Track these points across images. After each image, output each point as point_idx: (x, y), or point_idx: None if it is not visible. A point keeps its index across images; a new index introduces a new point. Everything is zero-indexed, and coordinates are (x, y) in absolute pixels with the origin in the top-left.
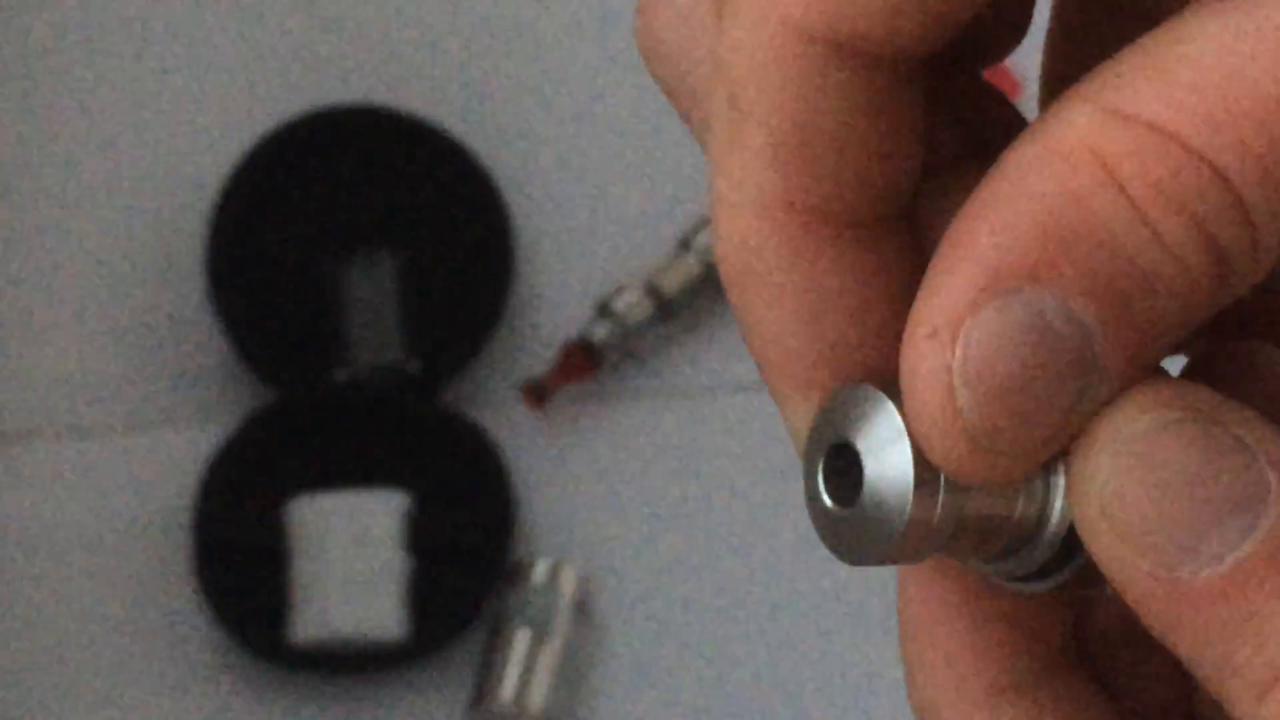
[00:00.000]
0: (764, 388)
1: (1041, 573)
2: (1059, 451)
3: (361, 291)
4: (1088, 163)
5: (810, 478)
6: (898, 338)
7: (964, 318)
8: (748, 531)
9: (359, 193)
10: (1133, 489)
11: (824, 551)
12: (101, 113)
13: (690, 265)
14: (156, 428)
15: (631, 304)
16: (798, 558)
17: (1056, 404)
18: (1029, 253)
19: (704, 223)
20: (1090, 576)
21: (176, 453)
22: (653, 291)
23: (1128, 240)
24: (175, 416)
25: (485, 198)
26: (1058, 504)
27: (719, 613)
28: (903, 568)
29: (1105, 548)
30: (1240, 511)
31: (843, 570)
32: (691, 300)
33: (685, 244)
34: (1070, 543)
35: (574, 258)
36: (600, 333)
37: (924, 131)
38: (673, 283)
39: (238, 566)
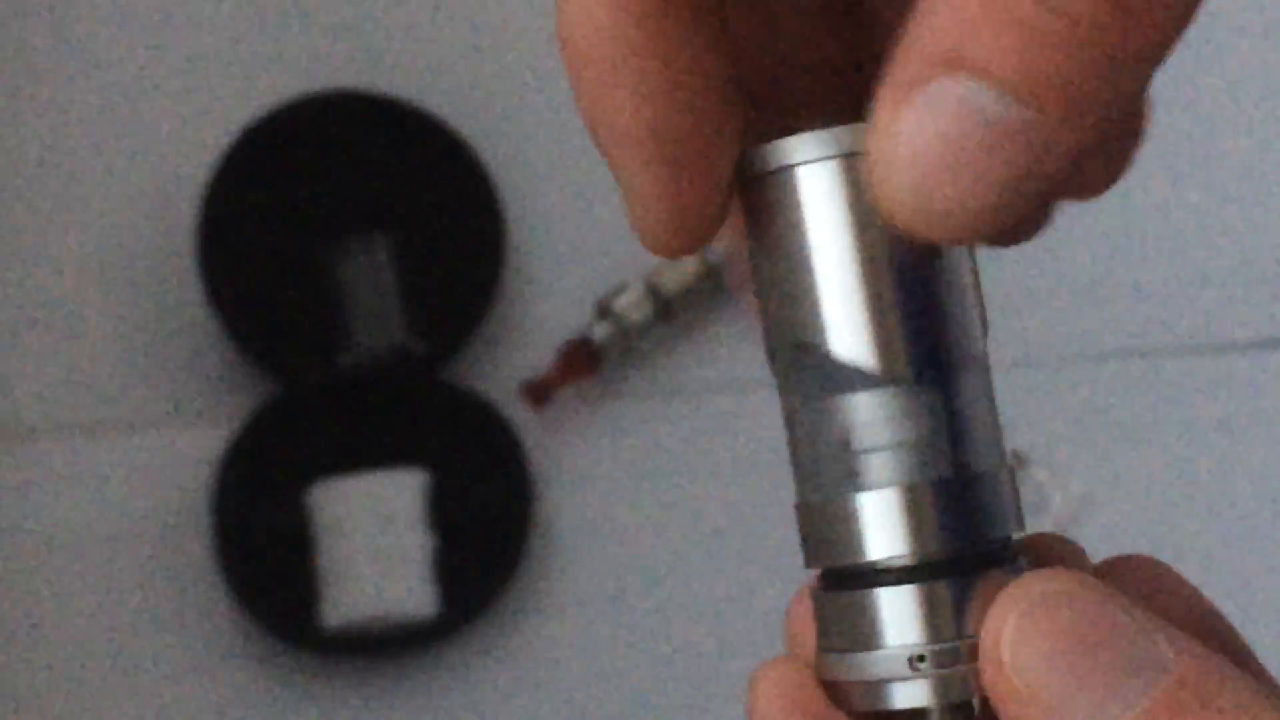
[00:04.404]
0: (762, 387)
1: None
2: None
3: (359, 276)
4: None
5: None
6: (723, 104)
7: (899, 104)
8: (746, 530)
9: (346, 179)
10: (1038, 650)
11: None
12: (90, 109)
13: (690, 265)
14: (165, 426)
15: (631, 304)
16: (796, 555)
17: (993, 176)
18: (961, 43)
19: None
20: None
21: (188, 449)
22: (653, 291)
23: (1040, 21)
24: (183, 414)
25: (471, 176)
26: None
27: (719, 609)
28: None
29: (1015, 706)
30: (1138, 676)
31: None
32: (691, 300)
33: None
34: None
35: (574, 257)
36: (600, 333)
37: None
38: (673, 283)
39: (262, 557)
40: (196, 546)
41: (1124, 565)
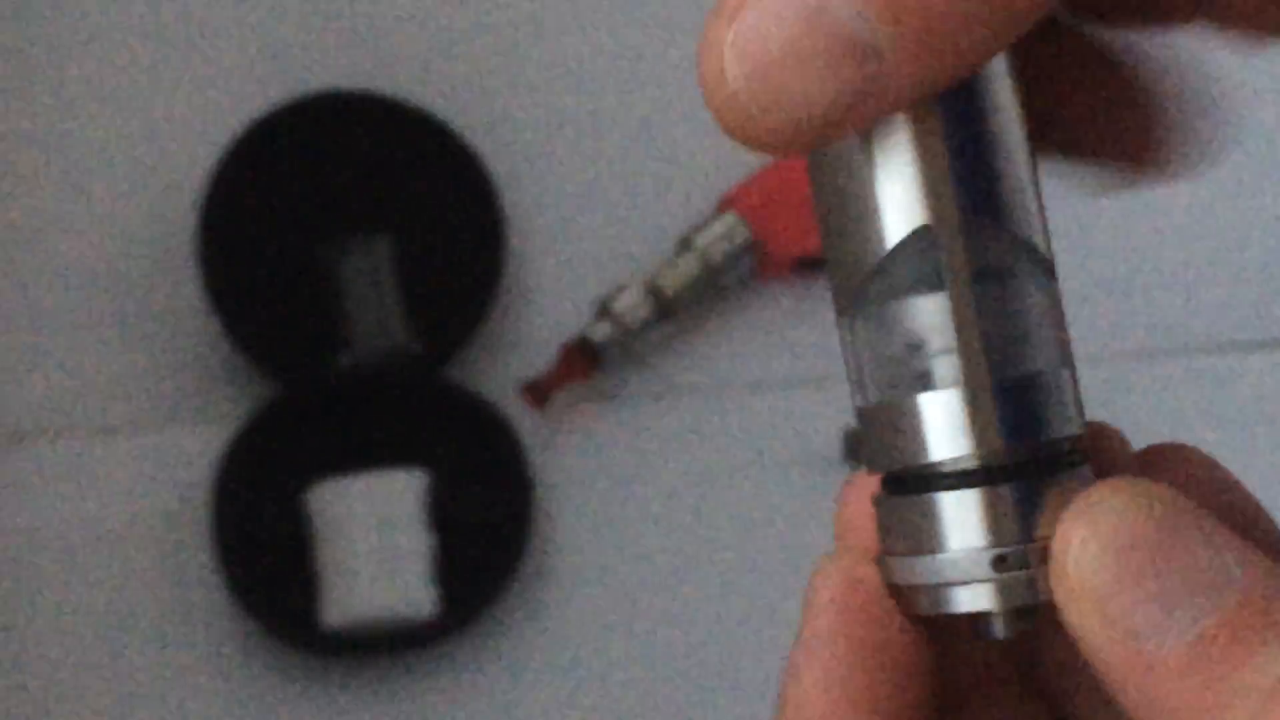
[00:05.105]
0: (763, 387)
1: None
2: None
3: (359, 276)
4: None
5: None
6: None
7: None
8: (746, 530)
9: (346, 179)
10: (1106, 563)
11: (824, 549)
12: (89, 109)
13: (690, 265)
14: (165, 426)
15: (631, 304)
16: (796, 555)
17: (826, 85)
18: None
19: (704, 222)
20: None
21: (188, 449)
22: (653, 291)
23: None
24: (183, 414)
25: (471, 176)
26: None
27: (720, 609)
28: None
29: (1079, 617)
30: (1204, 592)
31: None
32: (691, 300)
33: (685, 244)
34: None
35: (574, 257)
36: (600, 333)
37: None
38: (673, 283)
39: (262, 557)
40: (196, 546)
41: (1170, 454)
